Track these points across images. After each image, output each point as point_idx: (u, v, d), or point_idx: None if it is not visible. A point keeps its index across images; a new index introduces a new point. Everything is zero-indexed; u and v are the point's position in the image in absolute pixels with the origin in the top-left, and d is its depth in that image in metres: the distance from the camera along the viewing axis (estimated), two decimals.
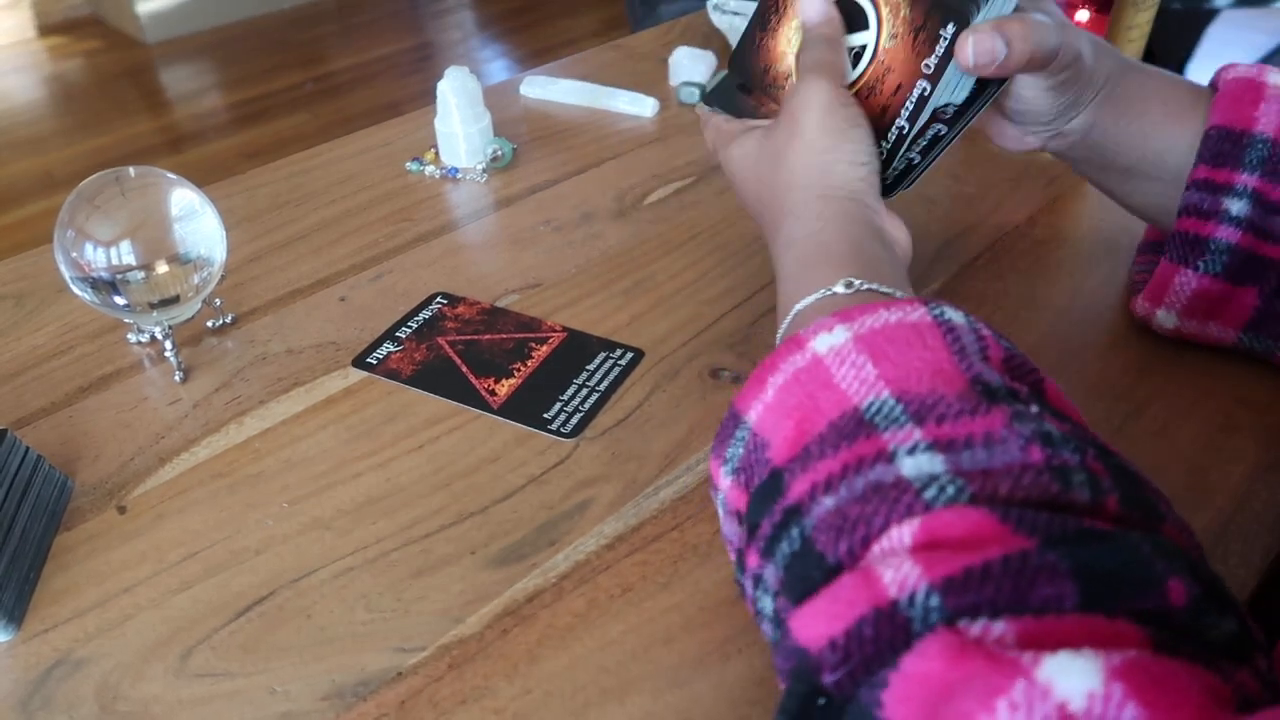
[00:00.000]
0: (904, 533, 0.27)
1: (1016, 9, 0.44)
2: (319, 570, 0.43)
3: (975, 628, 0.24)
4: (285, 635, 0.40)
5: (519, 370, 0.53)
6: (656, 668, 0.38)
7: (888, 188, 0.48)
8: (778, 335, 0.41)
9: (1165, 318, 0.51)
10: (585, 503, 0.45)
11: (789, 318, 0.40)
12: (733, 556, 0.37)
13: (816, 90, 0.45)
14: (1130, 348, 0.53)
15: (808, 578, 0.29)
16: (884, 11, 0.47)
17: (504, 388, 0.52)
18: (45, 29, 3.15)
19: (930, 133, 0.47)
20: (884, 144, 0.47)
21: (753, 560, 0.32)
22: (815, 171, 0.44)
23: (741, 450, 0.35)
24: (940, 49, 0.44)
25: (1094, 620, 0.24)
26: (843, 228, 0.42)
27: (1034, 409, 0.30)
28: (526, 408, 0.51)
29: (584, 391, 0.52)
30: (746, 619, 0.39)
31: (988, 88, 0.46)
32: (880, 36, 0.47)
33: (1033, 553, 0.25)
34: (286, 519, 0.45)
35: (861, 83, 0.48)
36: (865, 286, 0.39)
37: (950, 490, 0.28)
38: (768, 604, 0.32)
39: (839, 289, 0.39)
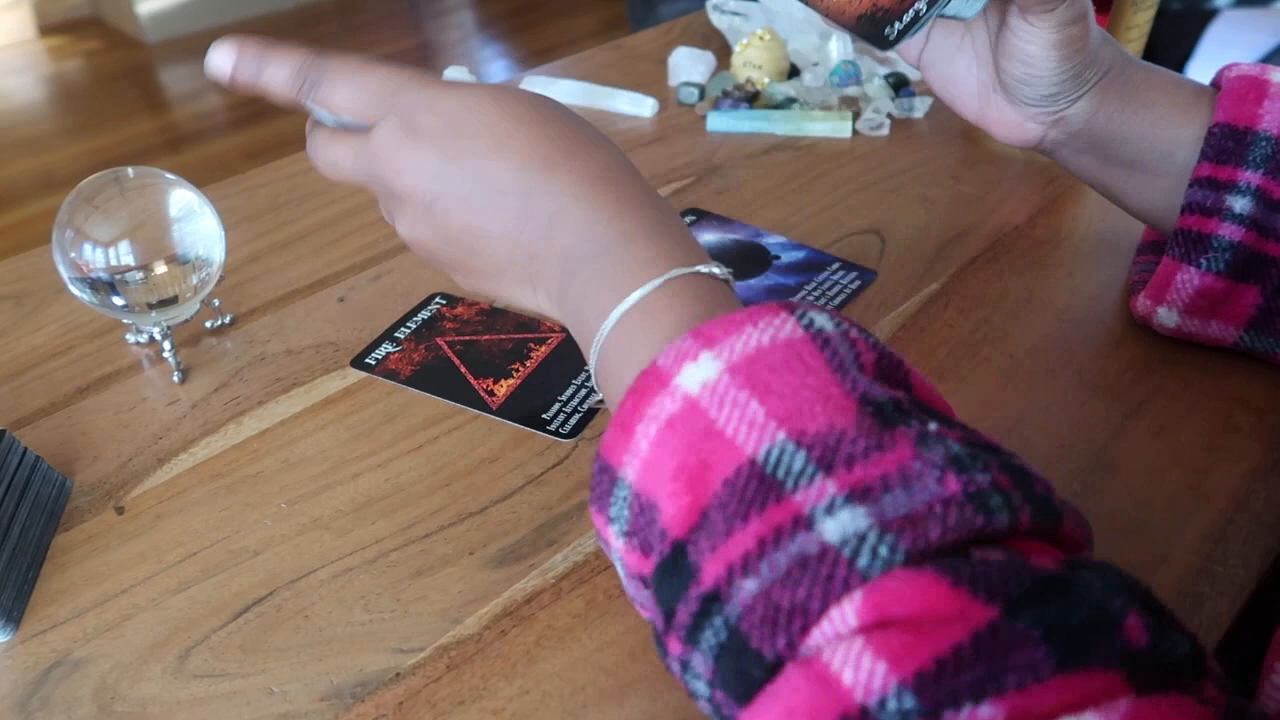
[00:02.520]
0: (847, 613, 0.25)
1: None
2: (317, 571, 0.42)
3: (961, 716, 0.23)
4: (283, 636, 0.40)
5: (518, 370, 0.53)
6: (655, 668, 0.38)
7: (889, 37, 0.44)
8: (595, 341, 0.35)
9: (1167, 316, 0.51)
10: (584, 503, 0.45)
11: (612, 321, 0.34)
12: (646, 619, 0.34)
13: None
14: (1130, 347, 0.53)
15: (746, 675, 0.26)
16: None
17: (503, 388, 0.52)
18: (45, 29, 3.16)
19: None
20: None
21: (675, 647, 0.29)
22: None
23: (628, 512, 0.31)
24: None
25: (1075, 679, 0.23)
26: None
27: (932, 426, 0.29)
28: (525, 408, 0.51)
29: (583, 392, 0.52)
30: None
31: None
32: None
33: (1000, 624, 0.23)
34: (285, 519, 0.45)
35: None
36: (685, 272, 0.34)
37: (883, 551, 0.25)
38: (702, 688, 0.29)
39: (658, 282, 0.34)
